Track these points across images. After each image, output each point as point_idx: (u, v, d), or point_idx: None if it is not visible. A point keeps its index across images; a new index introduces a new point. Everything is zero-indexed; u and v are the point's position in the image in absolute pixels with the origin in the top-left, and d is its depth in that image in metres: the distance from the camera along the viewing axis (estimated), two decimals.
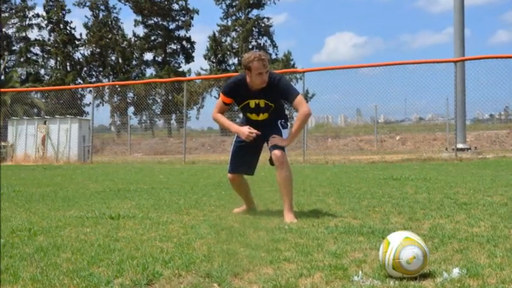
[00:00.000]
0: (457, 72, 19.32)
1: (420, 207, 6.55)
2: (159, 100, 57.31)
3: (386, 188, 8.69)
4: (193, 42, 68.53)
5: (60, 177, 13.13)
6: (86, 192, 9.08)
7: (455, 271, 3.54)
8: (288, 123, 6.48)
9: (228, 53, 65.35)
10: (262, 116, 6.30)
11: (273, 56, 62.41)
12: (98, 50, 65.83)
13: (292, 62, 60.65)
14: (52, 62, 67.22)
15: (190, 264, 4.00)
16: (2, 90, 29.65)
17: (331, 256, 4.16)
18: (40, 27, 65.63)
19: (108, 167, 19.06)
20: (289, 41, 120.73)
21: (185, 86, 24.39)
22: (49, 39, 66.02)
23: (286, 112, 6.85)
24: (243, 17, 64.22)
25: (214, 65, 63.87)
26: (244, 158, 6.43)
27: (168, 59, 67.84)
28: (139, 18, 66.48)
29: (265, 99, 6.15)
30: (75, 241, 4.93)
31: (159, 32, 67.25)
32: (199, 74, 61.09)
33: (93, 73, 67.63)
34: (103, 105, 53.11)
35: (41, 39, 65.86)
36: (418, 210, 6.33)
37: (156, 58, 68.08)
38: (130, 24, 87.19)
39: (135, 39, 67.36)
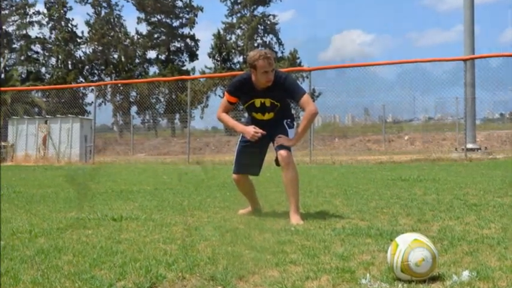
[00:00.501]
0: (466, 71, 19.30)
1: (429, 209, 6.55)
2: (162, 99, 57.37)
3: (395, 189, 8.68)
4: (198, 40, 68.60)
5: (62, 177, 13.15)
6: (87, 194, 9.09)
7: (465, 274, 3.53)
8: (294, 123, 6.48)
9: (233, 51, 65.40)
10: (267, 116, 6.30)
11: (279, 54, 62.40)
12: (100, 48, 65.95)
13: (298, 61, 60.68)
14: (53, 60, 67.39)
15: (194, 266, 4.01)
16: (2, 89, 29.70)
17: (338, 258, 4.16)
18: (41, 25, 65.78)
19: (110, 167, 19.09)
20: (296, 39, 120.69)
21: (189, 84, 24.42)
22: (50, 37, 66.18)
23: (293, 111, 6.85)
24: (248, 15, 64.24)
25: (219, 63, 63.92)
26: (250, 158, 6.43)
27: (171, 57, 67.92)
28: (142, 15, 66.55)
29: (270, 98, 6.15)
30: (76, 243, 4.94)
31: (162, 29, 67.32)
32: (203, 72, 61.08)
33: (95, 72, 67.72)
34: (105, 104, 53.22)
35: (41, 37, 66.04)
36: (427, 212, 6.33)
37: (160, 56, 68.17)
38: (133, 22, 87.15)
39: (138, 37, 67.45)
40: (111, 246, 4.68)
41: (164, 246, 4.70)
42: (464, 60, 19.61)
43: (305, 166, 11.28)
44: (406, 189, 8.59)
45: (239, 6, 64.68)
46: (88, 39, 66.03)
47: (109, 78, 65.00)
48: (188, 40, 68.38)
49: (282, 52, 64.42)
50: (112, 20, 66.39)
